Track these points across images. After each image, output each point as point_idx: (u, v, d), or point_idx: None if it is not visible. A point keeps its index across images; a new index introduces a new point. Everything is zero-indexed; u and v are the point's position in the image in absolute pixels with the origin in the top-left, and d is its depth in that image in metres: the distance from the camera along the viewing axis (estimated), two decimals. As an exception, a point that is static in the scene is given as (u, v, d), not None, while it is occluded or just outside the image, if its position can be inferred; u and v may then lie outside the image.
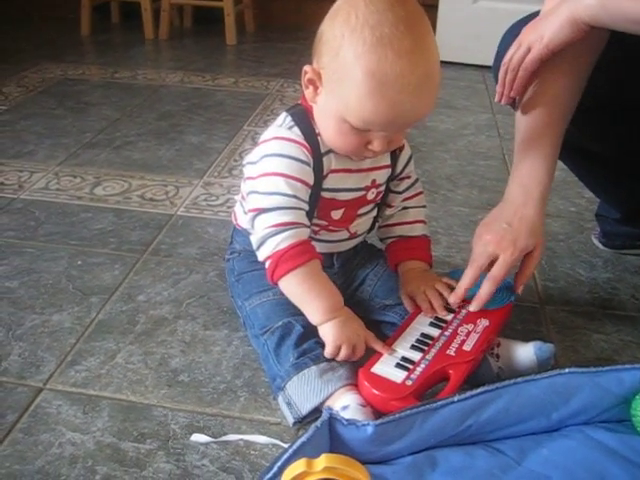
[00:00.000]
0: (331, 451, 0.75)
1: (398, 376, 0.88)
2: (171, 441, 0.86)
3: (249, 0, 3.08)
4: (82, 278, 1.20)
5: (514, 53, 0.99)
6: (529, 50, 0.96)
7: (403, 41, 0.80)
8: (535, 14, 1.08)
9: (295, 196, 0.90)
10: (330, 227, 1.01)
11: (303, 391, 0.88)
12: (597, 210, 1.39)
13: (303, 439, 0.73)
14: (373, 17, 0.81)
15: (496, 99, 1.06)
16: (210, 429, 0.88)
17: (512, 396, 0.83)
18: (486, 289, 0.97)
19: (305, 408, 0.87)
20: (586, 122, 1.07)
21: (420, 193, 1.11)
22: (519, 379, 0.84)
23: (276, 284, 0.92)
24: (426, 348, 0.93)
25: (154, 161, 1.72)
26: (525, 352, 0.94)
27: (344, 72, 0.83)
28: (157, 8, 2.95)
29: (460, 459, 0.79)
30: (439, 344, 0.94)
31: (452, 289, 1.01)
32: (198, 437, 0.86)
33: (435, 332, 0.96)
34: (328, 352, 0.90)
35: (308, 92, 0.91)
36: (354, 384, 0.88)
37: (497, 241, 0.97)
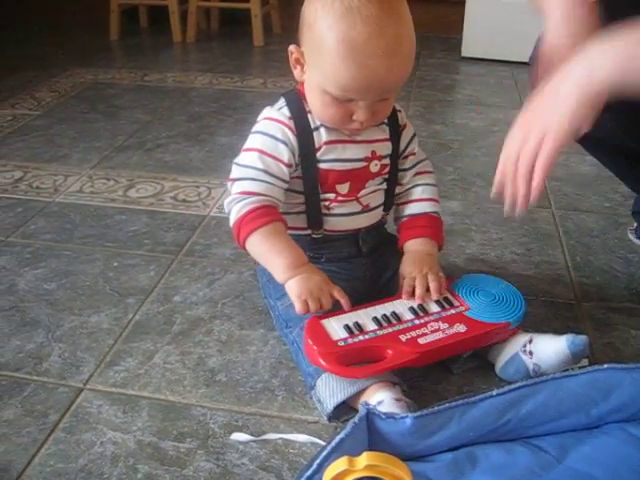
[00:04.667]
0: (370, 446, 0.75)
1: (338, 334, 0.89)
2: (210, 440, 0.87)
3: (275, 1, 3.09)
4: (118, 279, 1.22)
5: (521, 147, 0.83)
6: (540, 143, 0.81)
7: (371, 8, 0.85)
8: None
9: (265, 171, 0.97)
10: (340, 198, 1.02)
11: (330, 387, 0.88)
12: (634, 207, 1.37)
13: (342, 435, 0.73)
14: None
15: (506, 211, 0.87)
16: (248, 428, 0.89)
17: (551, 391, 0.82)
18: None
19: (331, 404, 0.87)
20: (631, 122, 1.05)
21: (429, 172, 1.11)
22: (557, 374, 0.84)
23: (244, 248, 0.97)
24: (385, 324, 0.92)
25: (186, 163, 1.74)
26: (558, 347, 0.92)
27: (319, 44, 0.88)
28: (184, 11, 2.97)
29: (500, 456, 0.78)
30: (400, 327, 0.92)
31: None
32: (238, 436, 0.87)
33: (407, 316, 0.95)
34: (297, 308, 0.92)
35: (296, 72, 0.97)
36: (384, 381, 0.88)
37: None
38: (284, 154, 0.97)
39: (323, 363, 0.86)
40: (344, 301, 0.94)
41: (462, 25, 2.70)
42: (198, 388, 0.96)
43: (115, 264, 1.27)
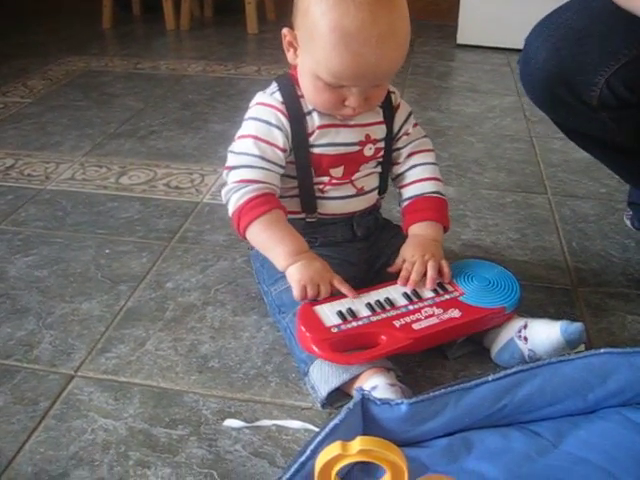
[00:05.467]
0: (364, 432, 0.75)
1: (331, 320, 0.89)
2: (203, 427, 0.86)
3: (269, -12, 3.07)
4: (110, 266, 1.20)
5: None
6: None
7: None
8: (562, 7, 1.06)
9: (261, 157, 0.96)
10: (333, 181, 1.01)
11: (324, 373, 0.87)
12: (630, 198, 1.35)
13: (336, 421, 0.72)
14: None
15: None
16: (242, 414, 0.88)
17: (547, 376, 0.81)
18: None
19: (325, 390, 0.86)
20: (625, 117, 1.05)
21: (428, 150, 1.09)
22: (553, 359, 0.83)
23: (244, 237, 0.97)
24: (378, 310, 0.91)
25: (179, 150, 1.72)
26: (552, 333, 0.90)
27: (313, 29, 0.88)
28: (178, -1, 2.95)
29: (496, 441, 0.78)
30: (393, 312, 0.91)
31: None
32: (231, 422, 0.86)
33: (401, 302, 0.94)
34: (295, 294, 0.92)
35: (289, 55, 0.97)
36: (378, 367, 0.87)
37: None
38: (279, 139, 0.97)
39: (316, 350, 0.86)
40: (345, 289, 0.93)
41: (457, 12, 2.68)
42: (190, 375, 0.95)
43: (107, 251, 1.25)
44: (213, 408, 0.89)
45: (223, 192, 0.98)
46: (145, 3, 3.24)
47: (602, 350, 0.84)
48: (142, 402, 0.90)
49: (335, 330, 0.87)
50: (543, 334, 0.91)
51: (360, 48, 0.85)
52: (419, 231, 1.03)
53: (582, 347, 0.93)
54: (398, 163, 1.08)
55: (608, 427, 0.81)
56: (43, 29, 2.98)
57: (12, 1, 3.22)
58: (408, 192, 1.07)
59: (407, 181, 1.07)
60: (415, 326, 0.89)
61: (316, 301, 0.92)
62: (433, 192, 1.06)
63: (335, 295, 0.93)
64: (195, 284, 1.15)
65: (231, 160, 0.99)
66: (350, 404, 0.74)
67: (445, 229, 1.05)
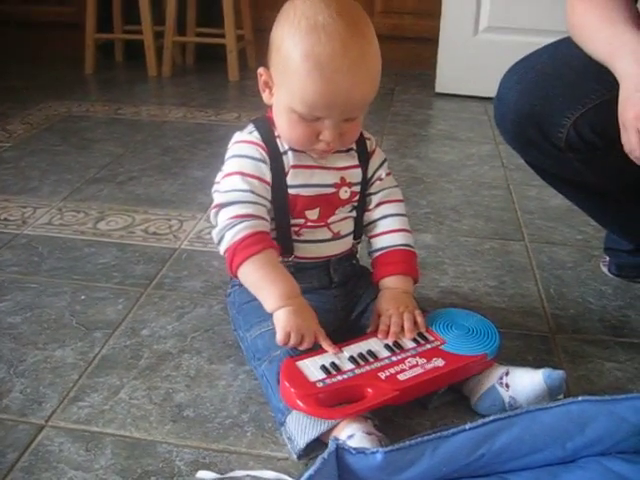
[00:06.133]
0: (341, 484, 0.73)
1: (315, 375, 0.87)
2: (176, 478, 0.84)
3: (251, 37, 3.11)
4: (85, 313, 1.19)
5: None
6: None
7: (336, 25, 0.87)
8: (535, 53, 1.09)
9: (251, 191, 0.96)
10: (309, 224, 1.01)
11: (301, 424, 0.86)
12: (606, 243, 1.37)
13: (310, 472, 0.71)
14: (309, 10, 0.89)
15: None
16: (216, 465, 0.86)
17: (525, 424, 0.81)
18: None
19: (303, 441, 0.85)
20: (593, 160, 1.06)
21: (398, 200, 1.10)
22: (532, 407, 0.83)
23: (235, 275, 0.95)
24: (362, 363, 0.91)
25: (157, 195, 1.72)
26: (534, 380, 0.91)
27: (287, 61, 0.90)
28: (160, 46, 2.98)
29: (475, 493, 0.77)
30: (378, 364, 0.91)
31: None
32: (204, 474, 0.84)
33: (384, 353, 0.93)
34: (278, 338, 0.91)
35: (265, 95, 0.99)
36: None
37: None
38: (265, 172, 0.97)
39: (302, 405, 0.84)
40: (327, 345, 0.92)
41: (435, 62, 2.73)
42: (164, 424, 0.93)
43: (82, 297, 1.24)
44: (187, 459, 0.87)
45: (215, 231, 0.96)
46: (128, 50, 3.27)
47: (580, 398, 0.84)
48: (114, 453, 0.88)
49: (320, 385, 0.86)
50: (526, 381, 0.92)
51: (332, 75, 0.87)
52: (390, 284, 1.04)
53: (561, 395, 0.93)
54: (369, 210, 1.08)
55: (587, 477, 0.80)
56: (25, 74, 2.99)
57: (-5, 47, 3.24)
58: (378, 243, 1.08)
59: (377, 231, 1.08)
60: (400, 377, 0.89)
61: (297, 356, 0.90)
62: (403, 245, 1.07)
63: (315, 350, 0.92)
64: (171, 331, 1.14)
65: (219, 198, 0.97)
66: (325, 454, 0.73)
67: (414, 281, 1.06)
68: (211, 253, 1.41)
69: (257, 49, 3.15)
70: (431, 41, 2.79)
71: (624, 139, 0.94)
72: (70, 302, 1.22)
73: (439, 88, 2.75)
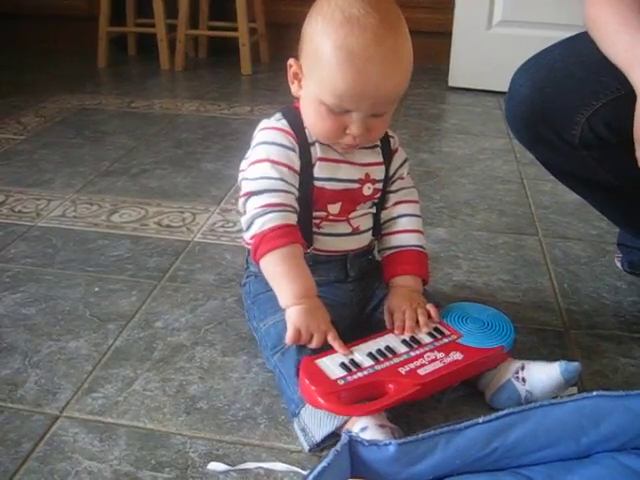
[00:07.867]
0: (353, 475, 0.73)
1: (335, 373, 0.87)
2: (190, 470, 0.84)
3: (264, 30, 3.10)
4: (99, 305, 1.19)
5: None
6: None
7: (369, 18, 0.87)
8: (548, 49, 1.08)
9: (282, 179, 0.94)
10: (330, 217, 1.01)
11: (317, 417, 0.86)
12: (619, 239, 1.36)
13: (323, 464, 0.71)
14: (344, 3, 0.89)
15: None
16: (229, 457, 0.86)
17: (539, 419, 0.80)
18: None
19: (319, 435, 0.85)
20: (607, 156, 1.05)
21: (415, 201, 1.10)
22: (545, 402, 0.82)
23: (258, 263, 0.94)
24: (381, 359, 0.90)
25: (171, 188, 1.72)
26: (552, 373, 0.91)
27: (318, 53, 0.90)
28: (172, 40, 2.98)
29: (488, 486, 0.76)
30: (397, 360, 0.90)
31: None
32: (216, 465, 0.84)
33: (402, 349, 0.93)
34: (288, 335, 0.91)
35: (293, 87, 0.98)
36: None
37: None
38: (294, 161, 0.96)
39: (324, 403, 0.83)
40: (338, 345, 0.91)
41: (449, 56, 2.72)
42: (178, 416, 0.93)
43: (96, 289, 1.24)
44: (200, 450, 0.87)
45: (244, 219, 0.95)
46: (140, 43, 3.27)
47: (594, 393, 0.83)
48: (128, 444, 0.88)
49: (342, 382, 0.85)
50: (543, 374, 0.92)
51: (364, 65, 0.87)
52: (401, 283, 1.04)
53: (574, 390, 0.93)
54: (386, 208, 1.08)
55: (602, 473, 0.79)
56: (38, 67, 3.00)
57: (10, 40, 3.25)
58: (392, 241, 1.08)
59: (392, 229, 1.08)
60: (421, 371, 0.89)
61: (315, 355, 0.90)
62: (417, 246, 1.07)
63: (327, 349, 0.91)
64: (184, 324, 1.14)
65: (249, 186, 0.95)
66: (338, 446, 0.73)
67: (424, 282, 1.06)
68: (224, 246, 1.41)
69: (270, 43, 3.14)
70: (444, 35, 2.77)
71: (638, 154, 0.93)
72: (84, 294, 1.23)
73: (452, 82, 2.74)
